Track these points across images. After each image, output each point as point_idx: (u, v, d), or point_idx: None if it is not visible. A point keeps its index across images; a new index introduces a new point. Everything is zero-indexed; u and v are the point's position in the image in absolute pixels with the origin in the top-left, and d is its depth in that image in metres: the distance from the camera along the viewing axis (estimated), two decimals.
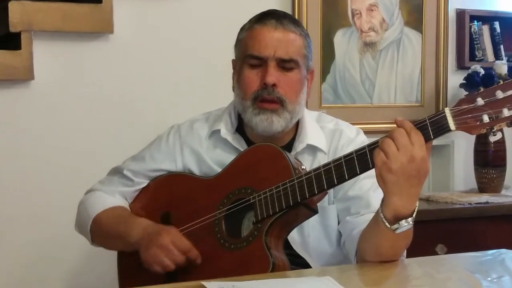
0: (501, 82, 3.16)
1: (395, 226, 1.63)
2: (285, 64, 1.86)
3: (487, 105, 1.55)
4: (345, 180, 1.69)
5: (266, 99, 1.85)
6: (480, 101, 1.55)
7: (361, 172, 1.67)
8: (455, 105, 1.59)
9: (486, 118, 1.55)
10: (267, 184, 1.77)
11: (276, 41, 1.85)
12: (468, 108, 1.56)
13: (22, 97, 2.66)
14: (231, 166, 1.88)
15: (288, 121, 1.87)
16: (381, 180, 1.61)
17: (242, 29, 1.95)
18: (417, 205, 1.64)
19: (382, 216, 1.64)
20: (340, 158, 1.68)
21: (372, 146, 1.64)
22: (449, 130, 1.58)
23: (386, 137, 1.60)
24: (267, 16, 1.89)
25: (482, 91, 1.58)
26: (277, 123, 1.85)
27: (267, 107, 1.85)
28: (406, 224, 1.63)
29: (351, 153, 1.67)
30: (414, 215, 1.64)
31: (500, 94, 1.54)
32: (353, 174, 1.67)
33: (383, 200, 1.65)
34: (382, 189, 1.63)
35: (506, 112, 1.53)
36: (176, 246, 1.80)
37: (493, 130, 1.57)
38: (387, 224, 1.63)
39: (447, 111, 1.58)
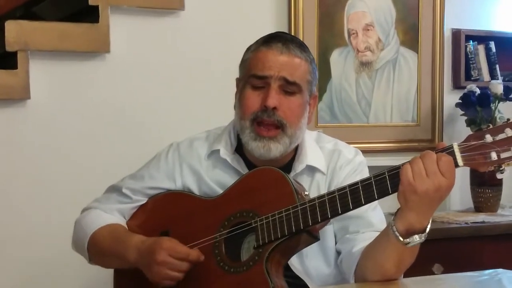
0: (497, 102, 3.20)
1: (408, 240, 1.63)
2: (287, 87, 1.84)
3: (495, 143, 1.54)
4: (349, 210, 1.68)
5: (265, 121, 1.83)
6: (488, 138, 1.55)
7: (366, 203, 1.66)
8: (463, 141, 1.58)
9: (494, 156, 1.54)
10: (269, 209, 1.75)
11: (280, 64, 1.83)
12: (476, 144, 1.56)
13: (18, 117, 2.65)
14: (232, 188, 1.86)
15: (287, 146, 1.85)
16: (403, 198, 1.60)
17: (247, 50, 1.92)
18: (430, 221, 1.64)
19: (395, 229, 1.63)
20: (345, 187, 1.68)
21: (378, 177, 1.64)
22: (457, 166, 1.58)
23: (417, 157, 1.59)
24: (274, 39, 1.87)
25: (491, 128, 1.57)
26: (275, 150, 1.84)
27: (265, 134, 1.83)
28: (419, 239, 1.63)
29: (356, 183, 1.66)
30: (427, 231, 1.63)
31: (509, 132, 1.54)
32: (357, 204, 1.67)
33: (396, 213, 1.64)
34: (401, 204, 1.62)
35: None
36: (174, 256, 1.79)
37: (501, 168, 1.56)
38: (400, 237, 1.63)
39: (455, 146, 1.58)
